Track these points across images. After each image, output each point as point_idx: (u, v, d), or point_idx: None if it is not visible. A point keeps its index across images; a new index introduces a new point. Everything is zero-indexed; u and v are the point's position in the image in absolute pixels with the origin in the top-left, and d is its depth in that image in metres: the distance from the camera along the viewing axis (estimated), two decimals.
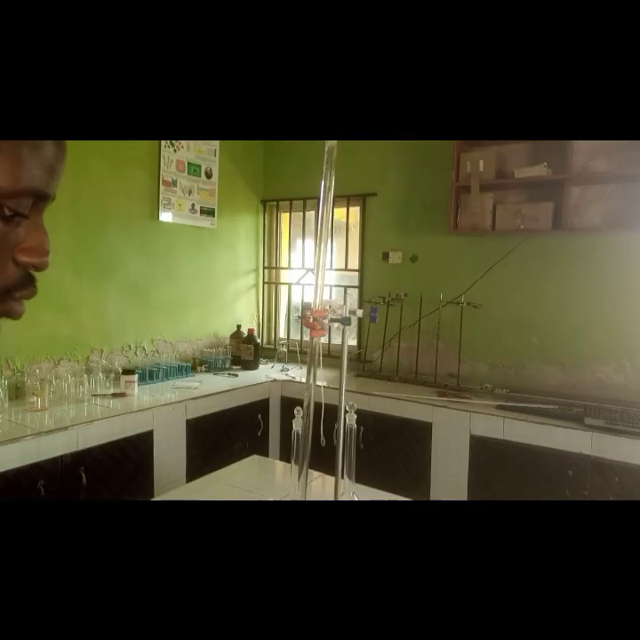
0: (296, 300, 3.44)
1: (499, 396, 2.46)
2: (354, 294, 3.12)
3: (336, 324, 1.07)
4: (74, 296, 2.41)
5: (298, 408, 1.13)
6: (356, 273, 3.14)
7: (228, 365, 2.98)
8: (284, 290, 3.51)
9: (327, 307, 1.05)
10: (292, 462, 1.17)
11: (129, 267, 2.65)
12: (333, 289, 3.19)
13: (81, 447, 1.87)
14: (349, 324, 1.07)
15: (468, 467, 2.23)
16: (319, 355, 1.09)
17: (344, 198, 3.08)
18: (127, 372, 2.34)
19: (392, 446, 2.43)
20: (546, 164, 2.40)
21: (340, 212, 3.16)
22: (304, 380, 1.13)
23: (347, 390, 1.13)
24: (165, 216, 2.80)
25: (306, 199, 3.28)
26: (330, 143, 0.98)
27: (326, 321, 1.04)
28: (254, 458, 1.75)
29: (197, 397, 2.36)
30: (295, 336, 3.42)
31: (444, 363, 2.79)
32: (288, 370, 3.03)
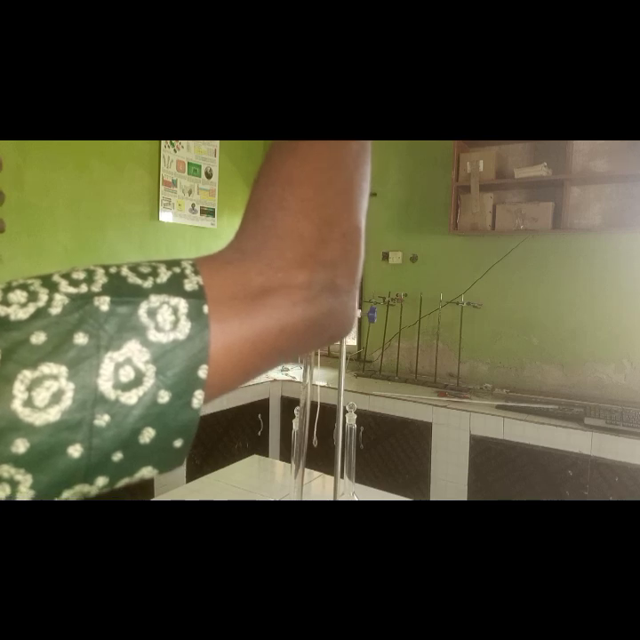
0: None
1: (499, 395, 2.46)
2: None
3: None
4: None
5: (298, 408, 1.13)
6: None
7: None
8: None
9: None
10: (292, 462, 1.17)
11: None
12: None
13: None
14: None
15: (468, 467, 2.23)
16: (316, 354, 1.09)
17: None
18: None
19: (392, 446, 2.43)
20: (546, 163, 2.40)
21: None
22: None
23: (347, 390, 1.14)
24: (165, 216, 2.80)
25: None
26: None
27: None
28: (254, 458, 1.75)
29: None
30: None
31: (443, 363, 2.79)
32: (288, 369, 3.02)
